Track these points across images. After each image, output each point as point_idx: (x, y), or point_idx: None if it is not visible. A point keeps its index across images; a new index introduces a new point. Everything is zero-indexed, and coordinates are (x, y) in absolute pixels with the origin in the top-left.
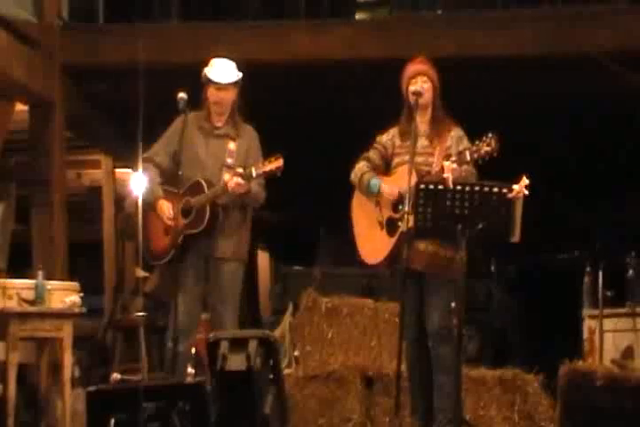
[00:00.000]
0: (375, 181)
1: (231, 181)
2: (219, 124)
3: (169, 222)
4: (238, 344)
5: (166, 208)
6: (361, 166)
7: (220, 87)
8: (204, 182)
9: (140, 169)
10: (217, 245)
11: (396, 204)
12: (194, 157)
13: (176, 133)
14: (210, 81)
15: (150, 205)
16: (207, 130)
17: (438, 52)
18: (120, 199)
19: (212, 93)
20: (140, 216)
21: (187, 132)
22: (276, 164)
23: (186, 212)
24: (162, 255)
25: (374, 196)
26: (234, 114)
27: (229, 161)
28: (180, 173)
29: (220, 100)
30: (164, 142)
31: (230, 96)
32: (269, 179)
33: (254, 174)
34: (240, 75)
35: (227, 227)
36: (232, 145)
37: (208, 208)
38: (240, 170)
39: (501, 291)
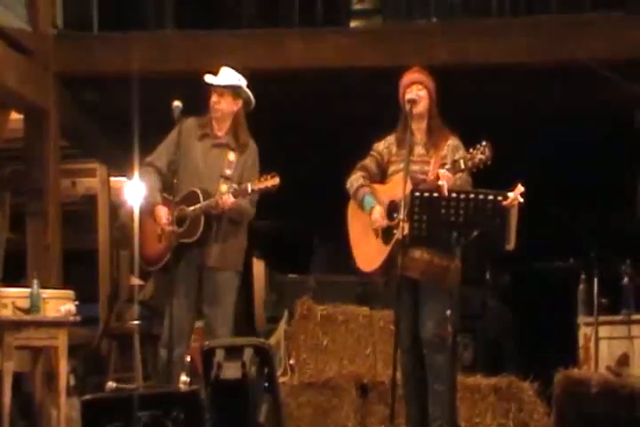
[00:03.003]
0: (369, 201)
1: (220, 195)
2: (219, 133)
3: (166, 228)
4: (233, 352)
5: (163, 214)
6: (357, 177)
7: (216, 91)
8: (200, 192)
9: (140, 173)
10: (210, 255)
11: (392, 211)
12: (191, 167)
13: (173, 141)
14: (206, 84)
15: (147, 210)
16: (207, 138)
17: (432, 60)
18: (115, 208)
19: (211, 98)
20: (137, 221)
21: (184, 141)
22: (272, 182)
23: (180, 220)
24: (156, 261)
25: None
26: (237, 125)
27: (228, 172)
28: (175, 181)
29: (214, 104)
30: (163, 149)
31: (227, 104)
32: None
33: (249, 190)
34: (240, 83)
35: (220, 237)
36: (232, 156)
37: (202, 218)
38: (235, 186)
39: (496, 299)
